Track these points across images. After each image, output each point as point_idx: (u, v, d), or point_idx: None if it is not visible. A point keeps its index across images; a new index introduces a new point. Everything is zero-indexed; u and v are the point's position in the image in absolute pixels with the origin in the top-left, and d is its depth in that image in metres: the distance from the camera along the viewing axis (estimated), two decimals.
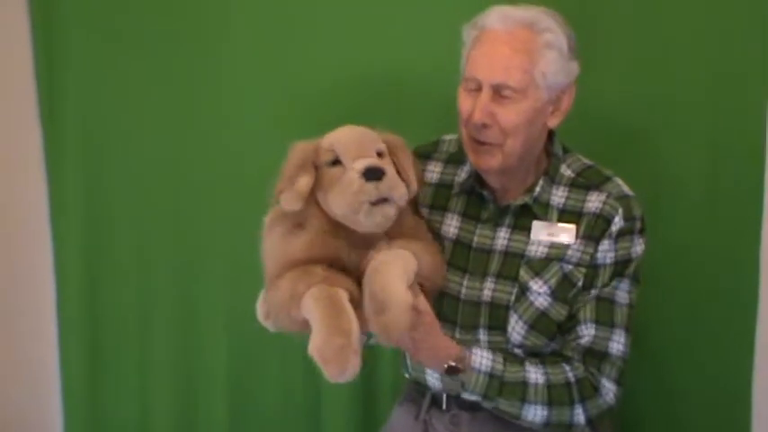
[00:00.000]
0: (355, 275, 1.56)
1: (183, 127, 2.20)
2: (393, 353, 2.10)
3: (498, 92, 1.62)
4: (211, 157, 2.20)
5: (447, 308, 1.72)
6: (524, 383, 1.64)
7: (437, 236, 1.75)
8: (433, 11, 2.03)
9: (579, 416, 1.66)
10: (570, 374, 1.66)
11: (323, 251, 1.57)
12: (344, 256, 1.57)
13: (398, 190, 1.55)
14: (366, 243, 1.57)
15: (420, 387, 1.83)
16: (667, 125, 2.01)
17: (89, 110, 2.23)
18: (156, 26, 2.17)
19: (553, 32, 1.62)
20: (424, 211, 1.79)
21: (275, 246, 1.63)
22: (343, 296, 1.51)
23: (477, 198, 1.75)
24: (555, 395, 1.64)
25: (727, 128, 1.98)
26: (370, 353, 2.17)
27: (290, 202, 1.56)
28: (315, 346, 1.48)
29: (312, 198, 1.58)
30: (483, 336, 1.70)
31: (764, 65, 1.94)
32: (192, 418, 2.33)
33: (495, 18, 1.63)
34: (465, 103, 1.67)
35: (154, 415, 2.34)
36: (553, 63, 1.62)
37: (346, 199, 1.53)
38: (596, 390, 1.66)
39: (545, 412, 1.65)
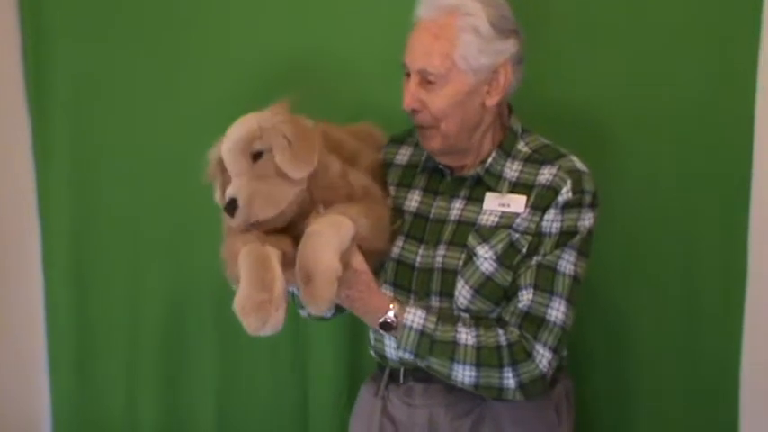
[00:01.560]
0: (294, 237, 1.63)
1: (174, 121, 2.23)
2: None
3: (424, 78, 1.70)
4: (202, 152, 2.21)
5: (401, 276, 1.78)
6: (454, 343, 1.68)
7: (399, 211, 1.82)
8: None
9: (509, 380, 1.67)
10: (502, 338, 1.68)
11: None
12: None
13: (254, 212, 1.60)
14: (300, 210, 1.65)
15: (381, 363, 1.88)
16: (656, 123, 2.04)
17: (77, 102, 2.26)
18: (144, 15, 2.21)
19: (473, 16, 1.68)
20: (392, 189, 1.86)
21: None
22: (272, 253, 1.58)
23: (438, 174, 1.82)
24: (484, 357, 1.67)
25: (716, 124, 2.01)
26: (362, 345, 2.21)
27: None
28: (237, 300, 1.55)
29: None
30: (435, 302, 1.75)
31: (753, 63, 1.97)
32: (179, 417, 2.35)
33: (423, 7, 1.72)
34: (404, 89, 1.75)
35: (142, 413, 2.36)
36: (471, 45, 1.67)
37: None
38: (529, 355, 1.67)
39: (473, 373, 1.67)
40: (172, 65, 2.22)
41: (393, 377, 1.86)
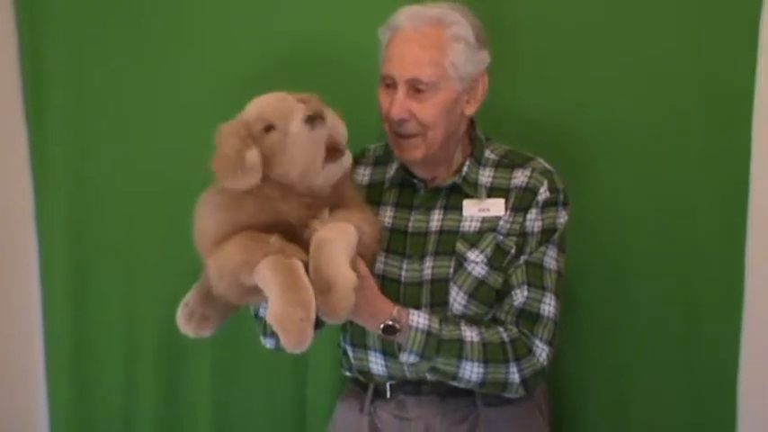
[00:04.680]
0: (301, 242, 1.60)
1: (172, 125, 2.22)
2: None
3: (413, 87, 1.73)
4: (197, 155, 2.14)
5: (388, 292, 1.77)
6: (461, 341, 1.70)
7: None
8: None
9: (514, 374, 1.71)
10: (504, 335, 1.72)
11: (270, 216, 1.61)
12: (293, 220, 1.62)
13: (341, 127, 1.62)
14: (309, 209, 1.63)
15: (362, 381, 1.87)
16: (655, 125, 2.08)
17: (75, 110, 2.24)
18: (142, 21, 2.20)
19: (460, 25, 1.74)
20: None
21: (215, 215, 1.65)
22: (301, 268, 1.55)
23: (409, 188, 1.85)
24: (490, 353, 1.70)
25: (714, 124, 2.05)
26: None
27: (246, 179, 1.59)
28: (274, 315, 1.52)
29: None
30: None
31: (753, 61, 2.02)
32: (176, 419, 2.32)
33: (404, 18, 1.76)
34: (384, 100, 1.78)
35: (139, 421, 2.33)
36: (461, 54, 1.73)
37: (302, 154, 1.59)
38: (530, 350, 1.73)
39: (481, 370, 1.70)
40: (172, 71, 2.21)
41: (378, 393, 1.85)
